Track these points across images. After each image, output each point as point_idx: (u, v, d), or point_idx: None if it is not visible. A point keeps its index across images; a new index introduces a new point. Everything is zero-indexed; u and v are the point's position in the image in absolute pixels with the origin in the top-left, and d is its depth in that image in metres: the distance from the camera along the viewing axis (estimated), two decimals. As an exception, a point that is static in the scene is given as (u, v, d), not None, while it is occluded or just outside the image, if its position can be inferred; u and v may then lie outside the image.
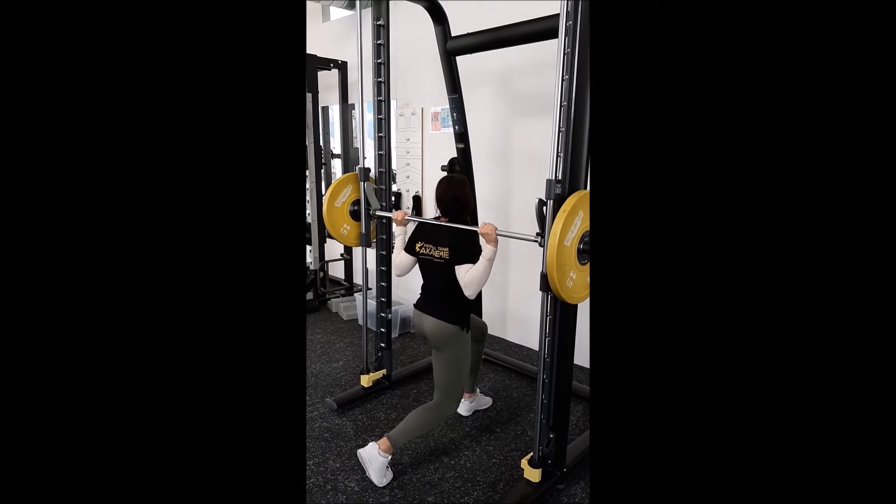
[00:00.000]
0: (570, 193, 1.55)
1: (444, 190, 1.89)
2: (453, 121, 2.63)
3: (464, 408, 2.33)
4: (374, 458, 1.81)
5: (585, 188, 1.60)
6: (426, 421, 1.89)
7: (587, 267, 1.60)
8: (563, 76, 1.52)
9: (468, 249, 1.78)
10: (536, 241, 1.62)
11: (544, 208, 1.56)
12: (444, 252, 1.82)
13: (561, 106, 1.53)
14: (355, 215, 2.40)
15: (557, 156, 1.55)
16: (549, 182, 1.55)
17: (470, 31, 2.35)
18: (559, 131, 1.54)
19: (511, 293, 3.23)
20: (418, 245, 1.92)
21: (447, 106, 2.66)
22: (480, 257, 1.72)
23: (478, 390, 2.41)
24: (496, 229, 1.70)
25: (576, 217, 1.50)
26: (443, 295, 1.86)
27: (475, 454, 2.05)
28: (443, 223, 1.88)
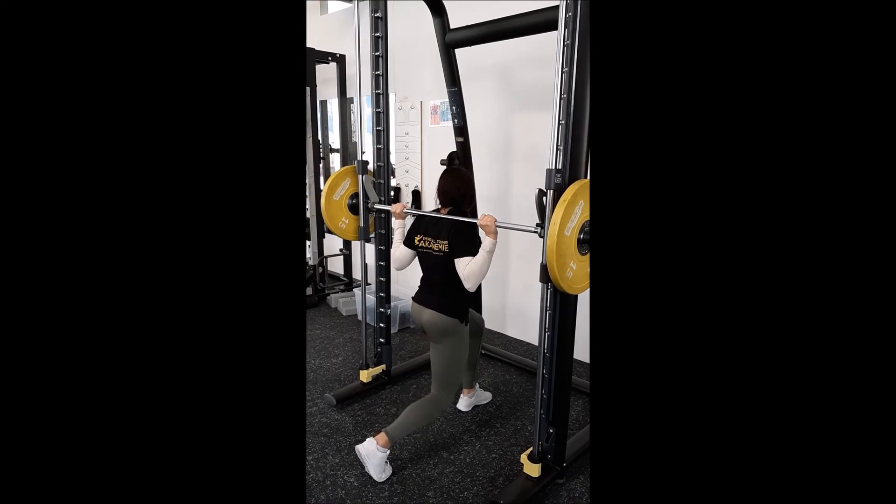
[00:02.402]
0: (570, 183, 1.54)
1: (448, 182, 1.90)
2: (452, 114, 2.61)
3: (463, 403, 2.33)
4: (373, 454, 1.81)
5: (585, 178, 1.59)
6: (424, 415, 1.89)
7: (587, 257, 1.59)
8: (562, 68, 1.50)
9: (468, 242, 1.77)
10: (536, 233, 1.61)
11: (544, 198, 1.55)
12: (443, 245, 1.82)
13: (561, 98, 1.52)
14: (354, 209, 2.39)
15: (557, 149, 1.54)
16: (549, 172, 1.54)
17: (469, 24, 2.34)
18: (559, 124, 1.53)
19: (511, 288, 3.23)
20: (417, 238, 1.92)
21: (446, 99, 2.64)
22: (480, 249, 1.71)
23: (477, 385, 2.41)
24: (496, 221, 1.69)
25: (576, 207, 1.49)
26: (442, 288, 1.85)
27: (475, 449, 2.05)
28: (443, 215, 1.87)
